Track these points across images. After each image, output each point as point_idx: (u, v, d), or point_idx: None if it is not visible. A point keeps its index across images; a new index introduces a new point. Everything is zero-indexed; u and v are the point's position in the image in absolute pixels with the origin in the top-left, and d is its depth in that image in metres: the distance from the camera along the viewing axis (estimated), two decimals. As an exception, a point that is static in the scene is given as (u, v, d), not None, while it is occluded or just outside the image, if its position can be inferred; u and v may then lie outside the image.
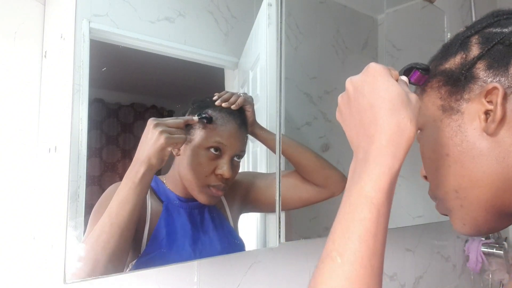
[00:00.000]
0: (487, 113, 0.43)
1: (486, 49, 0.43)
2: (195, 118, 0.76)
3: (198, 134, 0.78)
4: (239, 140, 0.82)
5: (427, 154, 0.49)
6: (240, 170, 0.86)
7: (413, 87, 0.52)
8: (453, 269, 1.66)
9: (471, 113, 0.44)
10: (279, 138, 0.90)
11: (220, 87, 0.86)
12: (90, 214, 0.66)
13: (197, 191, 0.79)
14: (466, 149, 0.44)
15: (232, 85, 0.87)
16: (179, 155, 0.78)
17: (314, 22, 1.08)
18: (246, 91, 0.89)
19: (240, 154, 0.83)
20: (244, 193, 0.89)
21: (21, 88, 0.70)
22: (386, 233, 0.41)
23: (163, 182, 0.80)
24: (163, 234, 0.75)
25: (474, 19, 1.53)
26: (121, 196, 0.67)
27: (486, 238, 1.71)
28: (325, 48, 1.10)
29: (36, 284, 0.68)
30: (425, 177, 0.52)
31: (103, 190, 0.69)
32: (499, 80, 0.42)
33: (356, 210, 0.40)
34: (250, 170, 0.90)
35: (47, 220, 0.67)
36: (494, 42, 0.43)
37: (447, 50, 0.48)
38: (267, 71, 0.90)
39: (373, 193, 0.40)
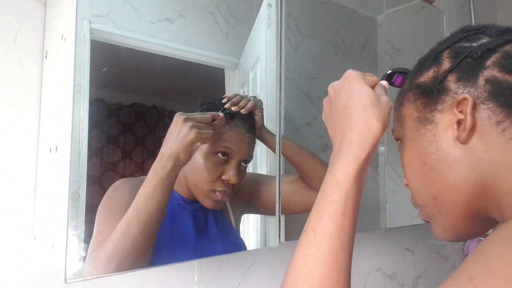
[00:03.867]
0: (459, 122, 0.45)
1: (456, 62, 0.46)
2: (221, 114, 0.76)
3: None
4: (247, 145, 0.82)
5: (406, 163, 0.52)
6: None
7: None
8: (452, 269, 1.67)
9: (444, 123, 0.47)
10: (279, 138, 0.90)
11: (220, 88, 0.86)
12: (90, 213, 0.66)
13: (203, 195, 0.78)
14: (441, 157, 0.47)
15: (232, 85, 0.87)
16: None
17: (314, 23, 1.08)
18: (246, 91, 0.89)
19: (248, 159, 0.82)
20: (247, 195, 0.89)
21: (22, 88, 0.70)
22: (356, 213, 0.46)
23: None
24: (167, 237, 0.74)
25: (473, 19, 1.54)
26: (147, 191, 0.67)
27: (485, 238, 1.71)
28: (325, 48, 1.10)
29: (36, 284, 0.69)
30: (407, 186, 0.54)
31: (104, 190, 0.69)
32: (469, 91, 0.45)
33: (327, 193, 0.47)
34: (250, 170, 0.90)
35: (48, 219, 0.67)
36: (463, 56, 0.46)
37: (422, 65, 0.51)
38: (267, 72, 0.90)
39: (342, 178, 0.46)
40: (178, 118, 0.70)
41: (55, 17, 0.70)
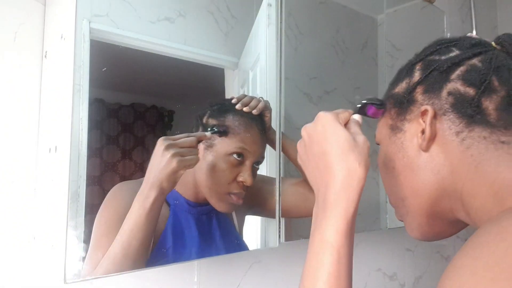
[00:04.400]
0: (423, 132, 0.48)
1: (424, 75, 0.49)
2: (208, 134, 0.74)
3: (220, 140, 0.76)
4: (260, 146, 0.81)
5: (380, 166, 0.56)
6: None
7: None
8: (453, 269, 1.66)
9: (411, 132, 0.50)
10: (279, 138, 0.90)
11: (220, 87, 0.86)
12: (90, 214, 0.65)
13: (217, 198, 0.76)
14: (407, 163, 0.50)
15: (232, 85, 0.87)
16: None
17: (314, 22, 1.08)
18: (246, 91, 0.89)
19: (260, 160, 0.81)
20: (252, 198, 0.87)
21: (22, 88, 0.70)
22: (350, 273, 0.45)
23: None
24: (170, 243, 0.73)
25: (473, 19, 1.53)
26: (132, 223, 0.65)
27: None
28: (325, 48, 1.10)
29: (36, 284, 0.68)
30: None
31: (104, 190, 0.69)
32: (433, 103, 0.48)
33: (318, 255, 0.45)
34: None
35: (48, 220, 0.67)
36: (431, 69, 0.49)
37: (399, 76, 0.54)
38: (267, 71, 0.90)
39: (332, 237, 0.44)
40: (160, 144, 0.67)
41: (55, 16, 0.70)
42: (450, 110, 0.47)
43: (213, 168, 0.75)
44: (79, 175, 0.63)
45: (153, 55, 0.75)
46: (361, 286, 1.26)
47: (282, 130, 0.92)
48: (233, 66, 0.87)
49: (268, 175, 0.91)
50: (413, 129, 0.50)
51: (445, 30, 1.48)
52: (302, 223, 1.02)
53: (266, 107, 0.84)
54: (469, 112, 0.46)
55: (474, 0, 1.56)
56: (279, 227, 0.90)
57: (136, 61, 0.74)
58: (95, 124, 0.67)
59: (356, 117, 0.54)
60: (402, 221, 0.55)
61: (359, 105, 0.54)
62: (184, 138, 0.69)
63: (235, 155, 0.76)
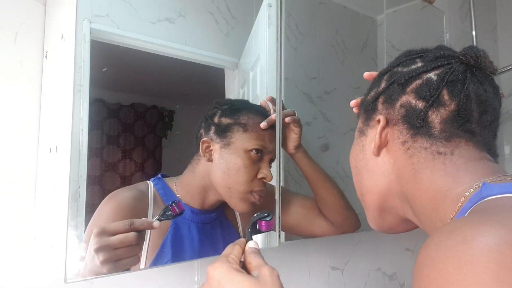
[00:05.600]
0: None
1: (385, 86, 0.53)
2: (156, 223, 0.64)
3: (238, 137, 0.75)
4: (274, 143, 0.81)
5: (350, 162, 0.60)
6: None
7: None
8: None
9: (370, 137, 0.54)
10: (279, 138, 0.90)
11: (220, 88, 0.86)
12: (90, 213, 0.65)
13: (238, 198, 0.74)
14: (365, 164, 0.55)
15: (232, 85, 0.87)
16: (211, 160, 0.73)
17: (314, 23, 1.08)
18: (246, 92, 0.89)
19: (274, 158, 0.81)
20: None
21: (22, 88, 0.70)
22: None
23: (171, 188, 0.73)
24: (169, 256, 0.70)
25: (473, 19, 1.53)
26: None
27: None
28: (325, 48, 1.10)
29: (36, 284, 0.69)
30: None
31: (104, 190, 0.69)
32: (388, 113, 0.52)
33: None
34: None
35: (48, 220, 0.67)
36: (391, 81, 0.52)
37: (373, 84, 0.58)
38: (267, 72, 0.90)
39: None
40: (91, 241, 0.58)
41: (55, 17, 0.70)
42: (400, 121, 0.50)
43: (233, 166, 0.73)
44: (79, 175, 0.63)
45: (154, 56, 0.75)
46: (361, 285, 1.26)
47: (282, 130, 0.92)
48: (233, 66, 0.87)
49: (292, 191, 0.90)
50: (371, 135, 0.54)
51: (445, 30, 1.48)
52: (302, 223, 1.02)
53: (295, 121, 0.84)
54: (416, 124, 0.49)
55: (473, 0, 1.57)
56: (279, 227, 0.90)
57: (136, 61, 0.75)
58: (95, 124, 0.67)
59: (252, 244, 0.52)
60: None
61: (249, 229, 0.54)
62: (122, 236, 0.60)
63: (254, 151, 0.75)
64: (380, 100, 0.53)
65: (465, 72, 0.49)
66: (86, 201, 0.64)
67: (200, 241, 0.75)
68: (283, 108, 0.87)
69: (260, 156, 0.76)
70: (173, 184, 0.75)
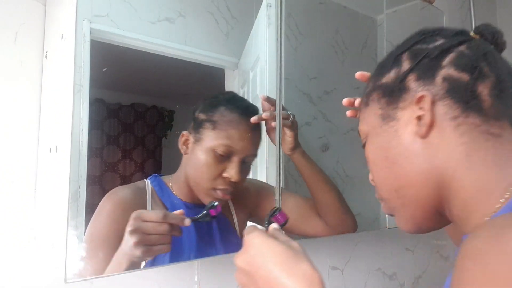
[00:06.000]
0: (419, 118, 0.47)
1: (415, 63, 0.49)
2: (187, 221, 0.67)
3: (207, 134, 0.75)
4: (250, 143, 0.79)
5: (370, 158, 0.54)
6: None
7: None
8: (453, 269, 1.66)
9: (405, 119, 0.49)
10: (279, 137, 0.90)
11: (220, 88, 0.86)
12: (90, 214, 0.66)
13: (204, 193, 0.75)
14: (401, 151, 0.49)
15: (232, 85, 0.87)
16: (187, 153, 0.74)
17: (314, 23, 1.08)
18: (246, 92, 0.89)
19: (251, 158, 0.80)
20: (254, 207, 0.86)
21: (22, 88, 0.70)
22: None
23: (167, 185, 0.75)
24: (167, 254, 0.70)
25: (473, 19, 1.53)
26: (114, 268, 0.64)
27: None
28: (325, 48, 1.10)
29: (36, 284, 0.69)
30: (372, 181, 0.56)
31: (104, 190, 0.69)
32: (428, 89, 0.47)
33: None
34: (250, 170, 0.90)
35: (48, 219, 0.67)
36: (421, 57, 0.49)
37: (382, 68, 0.54)
38: (267, 71, 0.90)
39: None
40: (129, 224, 0.62)
41: (55, 17, 0.70)
42: (446, 96, 0.46)
43: (199, 162, 0.74)
44: (79, 175, 0.63)
45: (154, 55, 0.75)
46: (361, 285, 1.26)
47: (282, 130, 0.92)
48: (233, 66, 0.87)
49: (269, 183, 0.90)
50: (407, 116, 0.49)
51: (445, 30, 1.48)
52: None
53: (286, 124, 0.83)
54: (465, 97, 0.46)
55: (473, 0, 1.57)
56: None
57: (136, 61, 0.75)
58: (95, 124, 0.67)
59: (275, 225, 0.55)
60: (391, 214, 0.55)
61: (267, 223, 0.57)
62: (155, 224, 0.63)
63: (219, 150, 0.74)
64: (411, 77, 0.49)
65: (490, 46, 0.48)
66: (86, 201, 0.64)
67: (196, 234, 0.75)
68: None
69: (227, 155, 0.75)
70: (169, 181, 0.76)
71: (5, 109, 0.68)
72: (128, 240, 0.62)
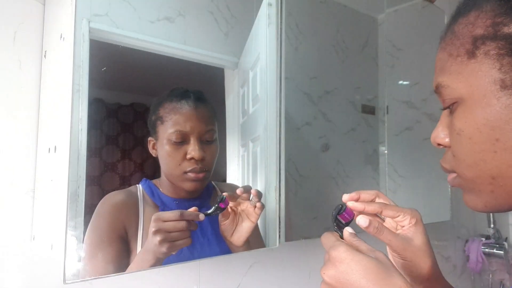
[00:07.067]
0: None
1: None
2: (201, 216, 0.74)
3: (160, 130, 0.77)
4: (199, 120, 0.80)
5: (466, 131, 0.41)
6: (240, 170, 0.86)
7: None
8: (454, 269, 1.66)
9: None
10: (279, 137, 0.90)
11: (220, 87, 0.86)
12: (89, 214, 0.65)
13: (179, 180, 0.78)
14: None
15: (232, 85, 0.87)
16: (157, 155, 0.78)
17: (314, 22, 1.08)
18: (246, 91, 0.89)
19: (209, 134, 0.81)
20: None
21: (21, 88, 0.70)
22: None
23: (157, 187, 0.79)
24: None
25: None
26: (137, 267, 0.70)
27: (486, 239, 1.71)
28: (325, 48, 1.10)
29: (35, 284, 0.68)
30: (438, 145, 0.46)
31: (103, 190, 0.69)
32: None
33: None
34: (250, 170, 0.90)
35: (47, 220, 0.67)
36: None
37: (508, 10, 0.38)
38: (267, 71, 0.90)
39: None
40: (151, 226, 0.69)
41: (54, 16, 0.70)
42: None
43: (164, 156, 0.78)
44: (78, 175, 0.63)
45: (153, 55, 0.75)
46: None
47: (282, 130, 0.92)
48: (233, 66, 0.87)
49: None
50: None
51: (446, 29, 1.48)
52: (302, 223, 1.02)
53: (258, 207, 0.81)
54: None
55: (474, 0, 1.56)
56: (279, 227, 0.90)
57: (135, 61, 0.74)
58: (94, 124, 0.67)
59: (350, 230, 0.51)
60: (459, 187, 0.46)
61: (335, 228, 0.54)
62: (174, 223, 0.70)
63: (173, 138, 0.77)
64: None
65: None
66: (85, 202, 0.63)
67: (195, 237, 0.78)
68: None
69: (183, 139, 0.78)
70: (158, 182, 0.79)
71: (4, 109, 0.68)
72: (153, 240, 0.68)
